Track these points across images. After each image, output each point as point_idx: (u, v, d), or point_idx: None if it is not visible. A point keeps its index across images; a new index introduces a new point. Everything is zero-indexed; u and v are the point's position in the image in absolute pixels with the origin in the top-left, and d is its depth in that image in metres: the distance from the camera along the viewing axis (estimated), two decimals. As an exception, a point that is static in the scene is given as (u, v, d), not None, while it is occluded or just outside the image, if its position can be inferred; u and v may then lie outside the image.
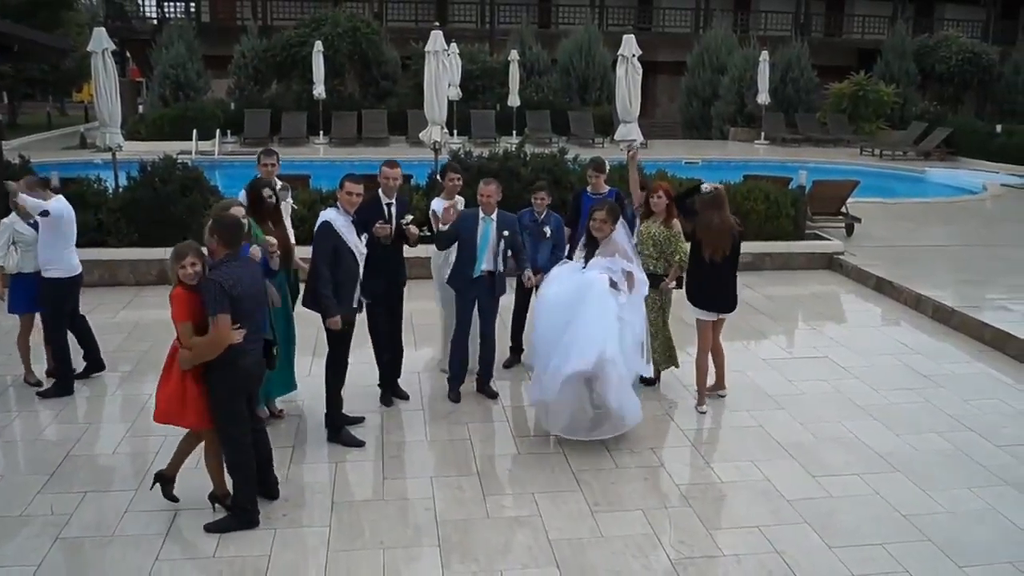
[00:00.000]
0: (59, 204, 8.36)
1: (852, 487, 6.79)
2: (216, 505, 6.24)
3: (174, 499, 6.30)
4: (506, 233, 8.04)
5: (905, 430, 7.84)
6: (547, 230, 8.79)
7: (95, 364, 8.86)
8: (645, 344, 7.67)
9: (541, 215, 8.84)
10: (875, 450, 7.43)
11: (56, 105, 46.85)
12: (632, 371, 7.45)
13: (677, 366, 8.77)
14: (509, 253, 8.20)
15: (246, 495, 6.12)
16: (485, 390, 8.49)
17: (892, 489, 6.75)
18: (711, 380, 8.50)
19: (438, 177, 9.08)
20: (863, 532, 6.15)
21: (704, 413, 8.21)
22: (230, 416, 5.95)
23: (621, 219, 7.81)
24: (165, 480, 6.31)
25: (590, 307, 7.26)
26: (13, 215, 8.41)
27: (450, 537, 6.00)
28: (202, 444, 6.25)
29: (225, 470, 6.17)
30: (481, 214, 8.06)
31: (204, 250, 5.98)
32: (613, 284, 7.37)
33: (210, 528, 6.05)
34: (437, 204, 8.79)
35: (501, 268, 8.20)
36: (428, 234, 8.38)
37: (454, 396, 8.39)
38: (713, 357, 8.44)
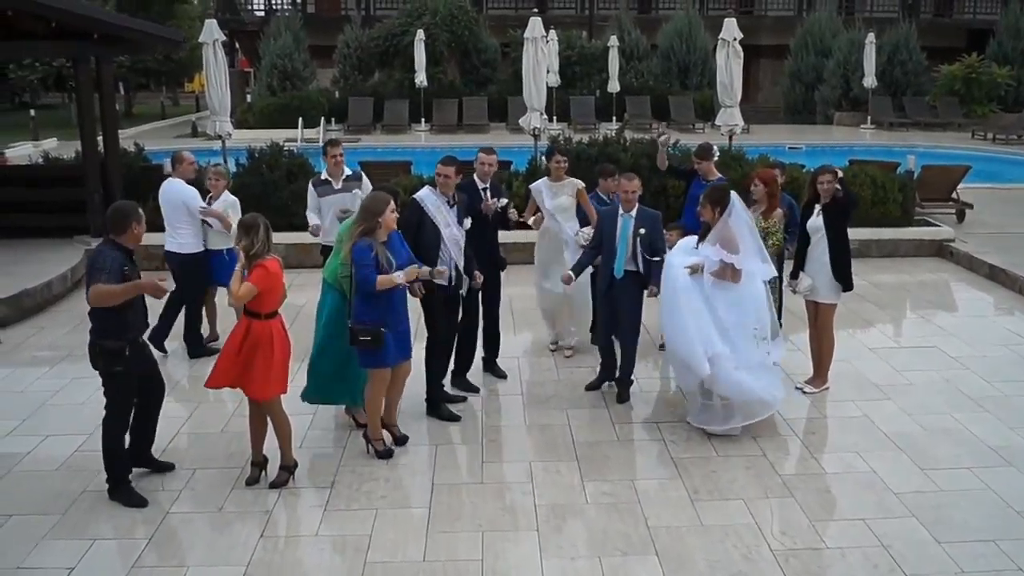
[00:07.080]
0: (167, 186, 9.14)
1: (962, 481, 6.58)
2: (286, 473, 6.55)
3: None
4: (643, 231, 7.72)
5: (1018, 423, 7.55)
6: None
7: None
8: (767, 330, 7.34)
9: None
10: (986, 443, 7.19)
11: (169, 95, 48.21)
12: (749, 361, 7.16)
13: None
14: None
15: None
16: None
17: (1004, 484, 6.51)
18: (801, 376, 8.40)
19: (544, 158, 9.16)
20: (973, 527, 5.95)
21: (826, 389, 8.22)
22: None
23: (738, 207, 7.32)
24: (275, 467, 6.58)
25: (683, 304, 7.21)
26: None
27: (548, 521, 6.03)
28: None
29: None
30: (620, 211, 7.83)
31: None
32: (695, 270, 7.20)
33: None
34: (538, 186, 8.89)
35: (642, 269, 7.81)
36: (521, 219, 8.57)
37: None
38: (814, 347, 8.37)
